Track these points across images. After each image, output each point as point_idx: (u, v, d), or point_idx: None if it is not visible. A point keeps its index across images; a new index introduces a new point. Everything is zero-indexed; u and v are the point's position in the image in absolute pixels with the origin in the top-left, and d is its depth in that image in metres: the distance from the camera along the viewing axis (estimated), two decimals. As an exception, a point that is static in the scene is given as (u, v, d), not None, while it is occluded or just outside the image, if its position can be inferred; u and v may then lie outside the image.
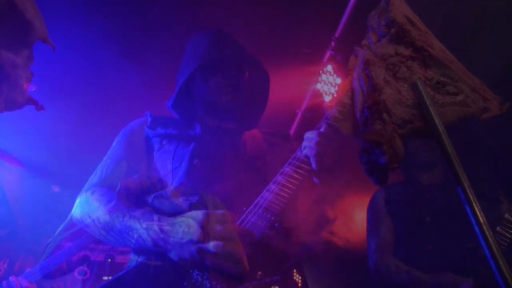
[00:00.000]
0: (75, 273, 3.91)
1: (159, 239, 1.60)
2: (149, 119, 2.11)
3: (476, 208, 1.07)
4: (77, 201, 1.94)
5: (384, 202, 2.79)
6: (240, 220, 1.78)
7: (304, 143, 1.84)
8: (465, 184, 1.09)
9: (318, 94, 4.07)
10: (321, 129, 1.84)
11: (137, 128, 2.12)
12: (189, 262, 1.55)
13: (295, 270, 1.82)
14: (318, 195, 1.93)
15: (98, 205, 1.81)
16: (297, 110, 4.46)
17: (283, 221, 1.82)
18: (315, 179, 1.90)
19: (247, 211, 1.79)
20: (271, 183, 1.84)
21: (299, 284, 1.82)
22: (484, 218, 1.05)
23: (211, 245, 1.49)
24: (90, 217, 1.81)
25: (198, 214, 1.58)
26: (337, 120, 1.71)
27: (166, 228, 1.60)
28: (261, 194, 1.83)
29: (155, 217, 1.68)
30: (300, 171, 1.84)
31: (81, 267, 3.90)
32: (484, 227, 1.04)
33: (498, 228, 2.39)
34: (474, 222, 1.06)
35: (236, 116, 2.11)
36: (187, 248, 1.53)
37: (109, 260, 4.02)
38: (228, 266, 1.51)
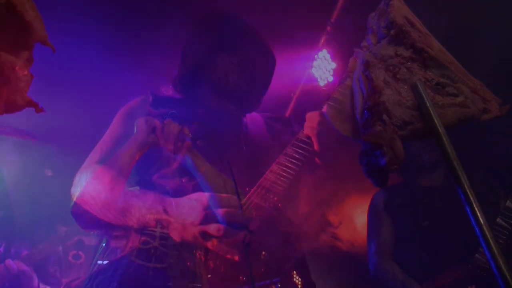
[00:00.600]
0: (70, 257, 3.91)
1: (162, 219, 1.59)
2: (152, 97, 2.08)
3: (476, 209, 1.07)
4: (77, 178, 1.90)
5: (384, 204, 2.80)
6: (243, 201, 1.78)
7: (306, 123, 1.87)
8: (465, 185, 1.09)
9: (313, 79, 4.07)
10: (323, 109, 1.86)
11: (138, 106, 2.09)
12: (191, 243, 1.55)
13: (295, 272, 1.83)
14: (321, 195, 1.95)
15: (99, 183, 1.79)
16: (292, 95, 4.45)
17: (286, 202, 1.83)
18: (317, 160, 1.92)
19: (250, 192, 1.80)
20: (273, 164, 1.85)
21: (299, 286, 1.83)
22: (484, 219, 1.06)
23: (213, 227, 1.48)
24: (90, 195, 1.79)
25: (203, 196, 1.57)
26: (337, 106, 1.76)
27: (170, 208, 1.60)
28: (264, 175, 1.83)
29: (159, 196, 1.68)
30: (302, 151, 1.86)
31: (75, 252, 3.91)
32: (484, 228, 1.04)
33: (498, 219, 2.40)
34: (474, 223, 1.06)
35: (239, 98, 2.10)
36: (189, 229, 1.53)
37: (103, 244, 4.00)
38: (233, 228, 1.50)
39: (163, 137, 1.64)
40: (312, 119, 1.86)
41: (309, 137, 1.86)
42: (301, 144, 1.87)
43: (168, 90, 2.34)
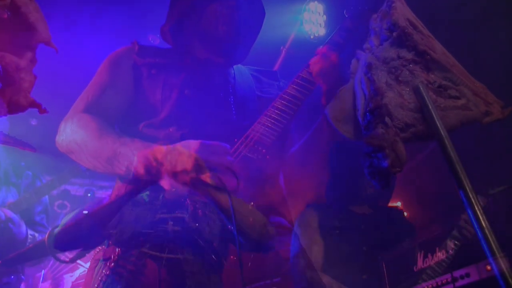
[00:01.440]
0: (55, 207, 3.91)
1: (152, 167, 1.53)
2: (137, 46, 2.04)
3: (478, 211, 1.07)
4: (62, 127, 1.84)
5: (318, 223, 2.73)
6: (231, 152, 1.76)
7: (310, 67, 1.91)
8: (467, 188, 1.09)
9: (303, 31, 4.08)
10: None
11: (124, 55, 2.04)
12: (180, 190, 1.52)
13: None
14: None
15: (86, 131, 1.74)
16: (281, 47, 4.44)
17: (274, 154, 1.82)
18: (323, 101, 1.95)
19: (238, 143, 1.79)
20: (262, 115, 1.85)
21: None
22: (487, 222, 1.06)
23: (205, 175, 1.45)
24: (76, 143, 1.74)
25: (193, 143, 1.53)
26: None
27: (159, 156, 1.55)
28: (252, 127, 1.83)
29: (147, 144, 1.62)
30: (290, 105, 1.87)
31: (61, 201, 3.91)
32: (486, 231, 1.05)
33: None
34: (476, 226, 1.06)
35: (227, 50, 2.09)
36: (180, 176, 1.48)
37: (89, 194, 4.03)
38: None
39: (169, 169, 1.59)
40: (315, 63, 1.90)
41: (311, 74, 1.89)
42: (302, 82, 1.89)
43: (155, 40, 2.33)
